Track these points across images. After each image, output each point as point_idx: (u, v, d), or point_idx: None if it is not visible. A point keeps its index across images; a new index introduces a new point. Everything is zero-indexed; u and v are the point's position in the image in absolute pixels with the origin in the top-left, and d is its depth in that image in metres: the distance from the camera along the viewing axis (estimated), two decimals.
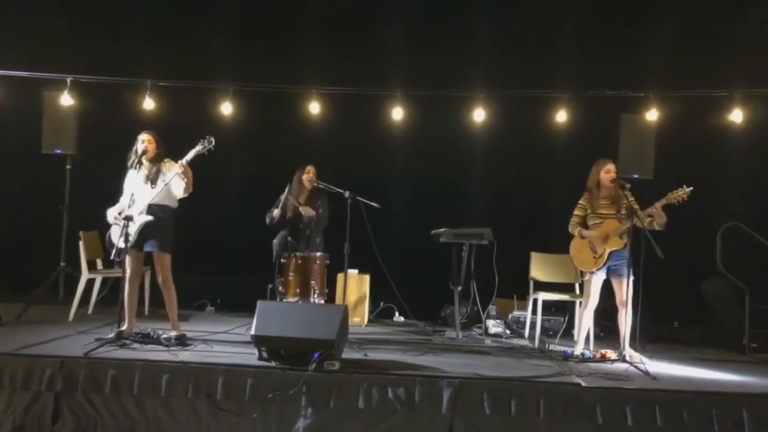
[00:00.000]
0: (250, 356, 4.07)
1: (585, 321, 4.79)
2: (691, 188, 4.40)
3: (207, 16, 6.33)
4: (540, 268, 5.62)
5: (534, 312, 5.43)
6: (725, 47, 5.96)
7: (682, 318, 6.13)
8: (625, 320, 4.57)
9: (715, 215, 5.75)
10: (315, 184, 5.56)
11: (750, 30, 5.92)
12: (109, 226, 4.61)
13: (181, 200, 4.62)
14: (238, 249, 6.51)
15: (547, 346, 5.11)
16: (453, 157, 6.38)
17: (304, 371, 3.77)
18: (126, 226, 4.36)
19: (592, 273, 4.71)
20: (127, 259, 4.49)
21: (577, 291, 5.45)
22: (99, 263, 5.75)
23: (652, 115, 5.88)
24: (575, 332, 5.25)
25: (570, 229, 4.88)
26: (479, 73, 6.19)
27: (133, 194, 4.48)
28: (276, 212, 5.46)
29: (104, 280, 5.71)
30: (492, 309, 5.94)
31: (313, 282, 5.13)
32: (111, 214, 4.58)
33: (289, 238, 5.47)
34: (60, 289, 6.21)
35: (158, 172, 4.56)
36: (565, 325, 5.68)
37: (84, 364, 3.84)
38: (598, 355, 4.60)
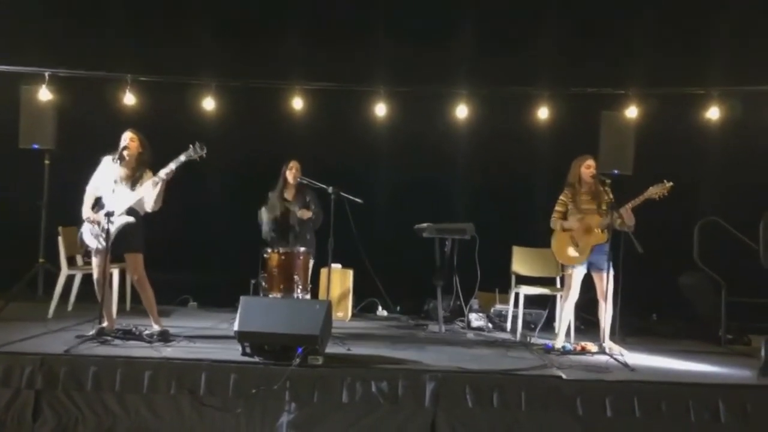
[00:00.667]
0: (233, 352, 4.05)
1: (566, 314, 4.85)
2: (671, 183, 4.48)
3: (189, 11, 6.28)
4: (522, 262, 5.68)
5: (516, 305, 5.49)
6: (703, 45, 6.08)
7: (660, 311, 6.25)
8: (605, 313, 4.64)
9: (692, 210, 5.87)
10: (299, 179, 5.56)
11: (727, 28, 6.03)
12: (80, 223, 4.55)
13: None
14: (221, 244, 6.49)
15: (528, 339, 5.17)
16: (436, 152, 6.43)
17: (288, 366, 3.77)
18: (108, 222, 4.29)
19: (573, 267, 4.77)
20: (97, 259, 4.43)
21: (558, 284, 5.52)
22: (78, 259, 5.68)
23: (632, 112, 5.97)
24: (556, 325, 5.32)
25: (552, 224, 4.91)
26: (462, 69, 6.24)
27: (108, 191, 4.41)
28: (265, 218, 5.45)
29: (85, 276, 5.64)
30: (474, 303, 5.98)
31: (296, 277, 5.13)
32: (86, 211, 4.51)
33: (273, 234, 5.46)
34: (39, 285, 6.13)
35: (140, 178, 4.49)
36: (546, 319, 5.76)
37: (65, 361, 3.80)
38: (579, 348, 4.66)
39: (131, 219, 4.40)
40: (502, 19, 6.33)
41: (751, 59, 5.97)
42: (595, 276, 4.76)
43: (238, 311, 4.04)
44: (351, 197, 5.14)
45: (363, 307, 6.34)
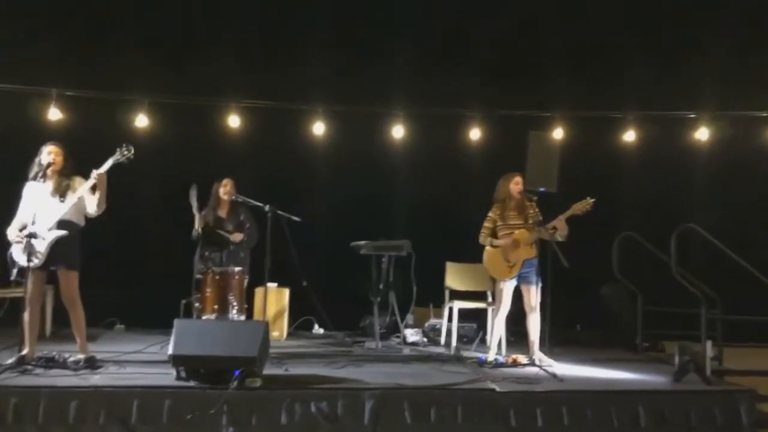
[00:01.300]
0: (166, 377, 3.94)
1: (497, 327, 5.00)
2: (593, 200, 4.75)
3: (122, 25, 6.09)
4: (455, 277, 5.84)
5: (450, 320, 5.63)
6: (619, 69, 6.51)
7: (583, 321, 6.58)
8: (533, 326, 4.84)
9: (612, 225, 6.21)
10: (234, 197, 5.48)
11: (640, 56, 6.51)
12: (5, 243, 4.30)
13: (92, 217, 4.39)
14: (149, 264, 6.28)
15: (461, 353, 5.29)
16: (373, 171, 6.53)
17: (225, 390, 3.70)
18: (30, 244, 4.09)
19: (504, 281, 4.94)
20: (30, 279, 4.21)
21: (489, 298, 5.71)
22: None
23: (558, 133, 6.32)
24: (488, 338, 5.49)
25: (481, 240, 5.04)
26: (399, 90, 6.38)
27: (36, 210, 4.21)
28: (196, 231, 5.34)
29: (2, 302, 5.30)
30: (410, 318, 6.09)
31: (231, 297, 5.04)
32: (12, 232, 4.29)
33: (206, 253, 5.36)
34: None
35: (68, 187, 4.30)
36: (478, 332, 5.93)
37: None
38: (510, 360, 4.83)
39: (63, 233, 4.20)
40: (437, 41, 6.54)
41: (663, 85, 6.49)
42: (523, 289, 4.94)
43: (173, 334, 3.93)
44: (288, 215, 5.13)
45: (299, 325, 6.30)
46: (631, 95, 6.42)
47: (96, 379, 3.94)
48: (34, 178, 4.34)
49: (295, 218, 5.17)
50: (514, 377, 4.39)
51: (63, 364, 4.16)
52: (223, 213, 5.61)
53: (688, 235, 5.33)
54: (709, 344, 4.53)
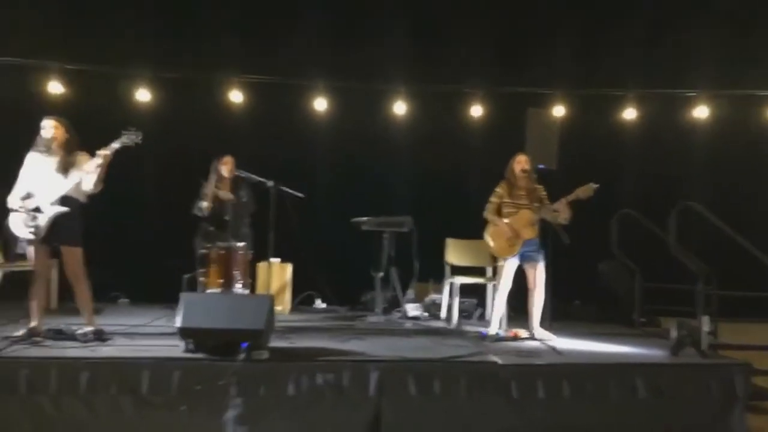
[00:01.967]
0: (175, 348, 3.99)
1: (499, 304, 5.06)
2: (597, 185, 4.77)
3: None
4: (455, 253, 5.91)
5: (450, 295, 5.71)
6: (621, 49, 6.51)
7: (582, 296, 6.68)
8: (536, 303, 4.91)
9: (611, 202, 6.27)
10: (236, 173, 5.50)
11: (641, 31, 6.51)
12: (5, 214, 4.32)
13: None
14: (151, 239, 6.31)
15: (462, 327, 5.39)
16: (375, 147, 6.55)
17: (233, 362, 3.77)
18: (33, 218, 4.11)
19: (506, 259, 5.00)
20: (35, 253, 4.24)
21: (489, 274, 5.78)
22: None
23: (558, 110, 6.33)
24: (488, 313, 5.58)
25: (485, 214, 5.05)
26: (401, 66, 6.37)
27: (39, 184, 4.22)
28: (205, 204, 5.36)
29: (5, 275, 5.32)
30: (410, 293, 6.16)
31: (236, 272, 5.10)
32: (13, 200, 4.29)
33: (211, 228, 5.39)
34: None
35: (72, 163, 4.30)
36: (477, 307, 6.03)
37: None
38: (511, 335, 4.92)
39: (64, 209, 4.22)
40: (438, 17, 6.50)
41: (664, 62, 6.49)
42: (527, 267, 5.00)
43: (181, 307, 3.98)
44: (291, 191, 5.16)
45: (301, 300, 6.38)
46: (631, 73, 6.43)
47: (106, 350, 3.99)
48: (39, 151, 4.33)
49: (298, 194, 5.21)
50: (515, 351, 4.47)
51: (72, 336, 4.22)
52: (225, 189, 5.62)
53: (687, 213, 5.39)
54: (705, 319, 4.62)
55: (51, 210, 4.20)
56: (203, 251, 5.22)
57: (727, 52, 6.48)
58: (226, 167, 5.53)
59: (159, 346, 4.15)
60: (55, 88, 5.71)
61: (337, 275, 6.20)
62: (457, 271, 5.80)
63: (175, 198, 5.60)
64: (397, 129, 6.51)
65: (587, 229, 5.93)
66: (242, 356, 3.81)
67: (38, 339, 4.14)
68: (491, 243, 5.05)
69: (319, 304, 6.40)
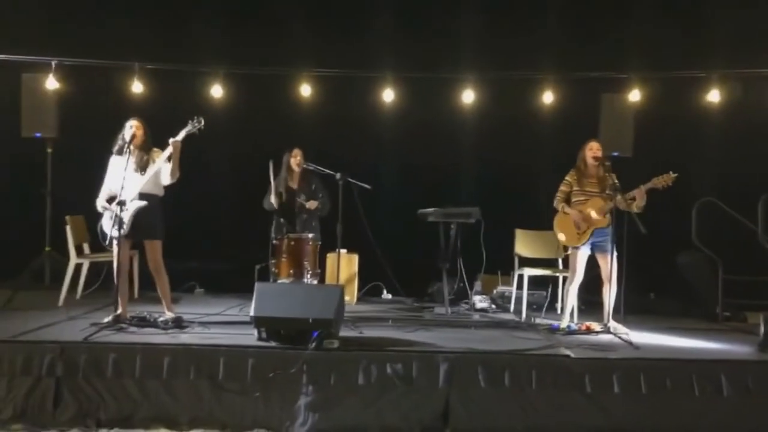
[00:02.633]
0: (249, 337, 4.13)
1: (571, 295, 4.94)
2: (676, 174, 4.55)
3: None
4: (524, 244, 5.79)
5: (519, 287, 5.60)
6: (704, 28, 6.14)
7: (658, 290, 6.39)
8: (609, 294, 4.75)
9: (691, 191, 5.97)
10: (305, 166, 5.61)
11: (728, 11, 6.10)
12: (95, 212, 4.59)
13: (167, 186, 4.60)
14: (224, 230, 6.54)
15: (533, 319, 5.29)
16: (442, 137, 6.49)
17: (304, 350, 3.85)
18: (120, 211, 4.34)
19: (576, 248, 4.86)
20: (119, 246, 4.48)
21: (560, 266, 5.64)
22: (86, 248, 5.71)
23: (634, 95, 6.05)
24: (559, 306, 5.44)
25: (555, 204, 4.97)
26: (468, 55, 6.27)
27: (124, 179, 4.45)
28: (273, 199, 5.50)
29: (92, 265, 5.67)
30: (477, 285, 6.09)
31: (306, 262, 5.21)
32: (100, 203, 4.57)
33: (282, 220, 5.52)
34: (46, 274, 6.16)
35: (148, 160, 4.53)
36: (548, 299, 5.88)
37: (85, 349, 3.85)
38: (583, 328, 4.77)
39: (143, 203, 4.44)
40: (506, 3, 6.36)
41: (752, 42, 6.06)
42: (599, 258, 4.86)
43: (254, 297, 4.10)
44: (360, 183, 5.20)
45: (368, 290, 6.43)
46: (715, 52, 6.04)
47: (185, 337, 4.18)
48: (119, 152, 4.57)
49: (366, 186, 5.25)
50: (588, 344, 4.35)
51: (154, 324, 4.44)
52: (294, 183, 5.74)
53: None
54: None
55: (132, 206, 4.43)
56: (275, 242, 5.35)
57: None
58: (294, 160, 5.65)
59: (234, 335, 4.30)
60: (136, 87, 5.98)
61: (404, 266, 6.20)
62: (527, 262, 5.69)
63: (249, 190, 5.76)
64: (465, 118, 6.40)
65: (664, 219, 5.69)
66: (313, 345, 3.89)
67: (123, 325, 4.39)
68: (559, 232, 4.96)
69: (386, 294, 6.43)
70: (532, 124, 6.35)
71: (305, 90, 6.16)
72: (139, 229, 4.49)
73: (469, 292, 5.89)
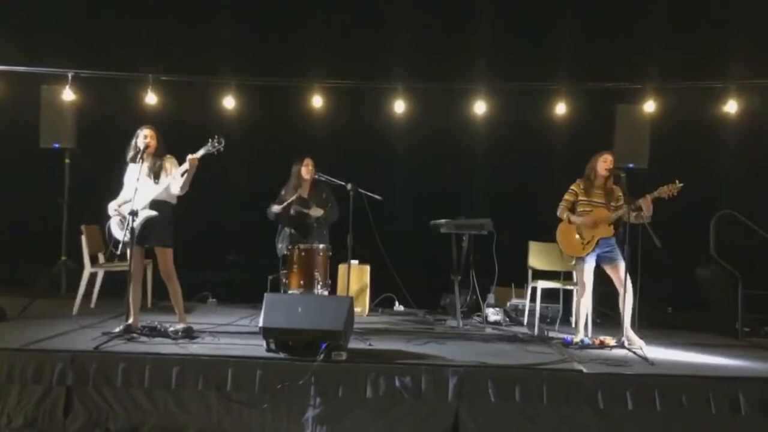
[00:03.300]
0: (257, 348, 4.12)
1: (582, 308, 4.86)
2: (681, 184, 4.49)
3: (208, 10, 6.33)
4: (538, 256, 5.73)
5: (533, 300, 5.53)
6: (721, 38, 6.05)
7: (675, 304, 6.27)
8: (626, 304, 4.64)
9: (708, 203, 5.87)
10: (316, 176, 5.61)
11: (745, 21, 6.01)
12: (108, 218, 4.63)
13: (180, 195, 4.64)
14: (237, 241, 6.56)
15: (546, 333, 5.21)
16: (454, 149, 6.47)
17: (313, 362, 3.83)
18: (132, 221, 4.38)
19: (582, 260, 4.80)
20: (131, 254, 4.51)
21: (575, 279, 5.55)
22: (101, 257, 5.76)
23: (649, 106, 5.98)
24: (573, 319, 5.36)
25: (558, 213, 4.93)
26: (480, 66, 6.25)
27: (136, 188, 4.49)
28: (276, 208, 5.53)
29: (106, 274, 5.72)
30: (491, 297, 6.03)
31: (316, 273, 5.20)
32: (111, 207, 4.61)
33: (292, 231, 5.53)
34: (62, 282, 6.23)
35: (161, 167, 4.57)
36: (561, 313, 5.80)
37: (95, 358, 3.88)
38: (597, 342, 4.69)
39: (153, 213, 4.47)
40: (519, 14, 6.34)
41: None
42: (608, 269, 4.79)
43: (263, 308, 4.09)
44: (370, 194, 5.19)
45: (380, 302, 6.40)
46: (732, 63, 5.94)
47: (194, 348, 4.18)
48: (133, 160, 4.62)
49: (376, 196, 5.23)
50: (601, 359, 4.27)
51: (164, 333, 4.45)
52: (305, 192, 5.75)
53: None
54: None
55: (143, 213, 4.46)
56: (285, 253, 5.36)
57: None
58: (306, 169, 5.66)
59: (243, 345, 4.30)
60: (150, 99, 6.06)
61: (416, 278, 6.16)
62: (541, 275, 5.62)
63: (263, 200, 5.78)
64: (476, 129, 6.37)
65: (682, 232, 5.59)
66: (321, 356, 3.87)
67: (134, 335, 4.40)
68: (561, 241, 4.91)
69: (398, 306, 6.39)
70: (546, 135, 6.30)
71: (317, 101, 6.19)
72: (150, 236, 4.52)
73: (481, 304, 5.83)
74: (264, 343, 4.09)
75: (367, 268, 6.10)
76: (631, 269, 4.69)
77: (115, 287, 5.58)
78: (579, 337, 4.79)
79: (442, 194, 6.39)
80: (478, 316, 5.90)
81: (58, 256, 6.07)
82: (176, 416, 3.83)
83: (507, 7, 6.30)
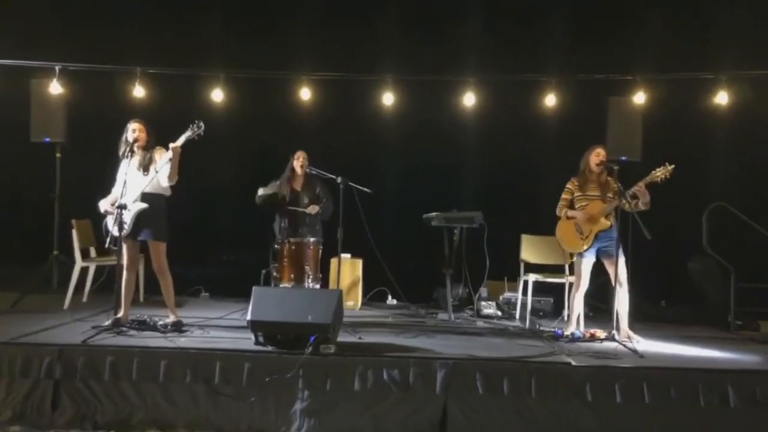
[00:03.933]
0: (246, 341, 4.11)
1: (576, 302, 4.86)
2: (673, 166, 4.47)
3: (197, 2, 6.31)
4: (530, 250, 5.71)
5: (525, 293, 5.52)
6: (712, 29, 6.02)
7: (668, 297, 6.26)
8: (620, 299, 4.64)
9: (701, 196, 5.85)
10: (307, 170, 5.59)
11: (735, 12, 5.98)
12: (100, 215, 4.62)
13: (173, 188, 4.62)
14: (230, 236, 6.55)
15: (537, 326, 5.20)
16: (444, 141, 6.44)
17: (301, 355, 3.82)
18: (120, 215, 4.37)
19: (581, 255, 4.79)
20: (124, 248, 4.50)
21: (567, 272, 5.54)
22: (92, 251, 5.75)
23: (640, 98, 5.95)
24: (565, 313, 5.35)
25: (557, 212, 4.95)
26: (470, 57, 6.22)
27: (125, 183, 4.47)
28: (261, 191, 5.49)
29: (98, 268, 5.71)
30: (483, 291, 6.02)
31: (307, 267, 5.19)
32: (103, 205, 4.59)
33: (283, 224, 5.51)
34: (53, 277, 6.22)
35: (151, 159, 4.55)
36: (554, 306, 5.80)
37: (83, 352, 3.87)
38: (588, 335, 4.69)
39: (144, 205, 4.45)
40: (508, 5, 6.31)
41: (760, 43, 5.93)
42: (606, 263, 4.78)
43: (251, 301, 4.09)
44: (360, 187, 5.17)
45: (372, 296, 6.39)
46: (722, 54, 5.91)
47: (182, 341, 4.17)
48: (124, 156, 4.60)
49: (366, 190, 5.21)
50: (591, 352, 4.27)
51: (153, 327, 4.44)
52: (298, 186, 5.73)
53: None
54: None
55: (134, 207, 4.44)
56: (276, 246, 5.34)
57: None
58: (298, 162, 5.63)
59: (232, 339, 4.29)
60: (138, 92, 6.03)
61: (408, 271, 6.15)
62: (533, 268, 5.61)
63: (254, 193, 5.76)
64: (467, 121, 6.34)
65: (675, 224, 5.57)
66: (309, 350, 3.86)
67: (123, 329, 4.39)
68: (562, 238, 4.92)
69: (391, 300, 6.38)
70: (538, 128, 6.28)
71: (305, 93, 6.16)
72: (141, 229, 4.50)
73: (473, 298, 5.82)
74: (252, 336, 4.08)
75: (360, 262, 6.09)
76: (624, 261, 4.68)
77: (109, 281, 5.55)
78: (570, 329, 4.78)
79: (433, 187, 6.37)
80: (470, 309, 5.90)
81: (50, 251, 6.05)
82: (164, 409, 3.82)
83: None
